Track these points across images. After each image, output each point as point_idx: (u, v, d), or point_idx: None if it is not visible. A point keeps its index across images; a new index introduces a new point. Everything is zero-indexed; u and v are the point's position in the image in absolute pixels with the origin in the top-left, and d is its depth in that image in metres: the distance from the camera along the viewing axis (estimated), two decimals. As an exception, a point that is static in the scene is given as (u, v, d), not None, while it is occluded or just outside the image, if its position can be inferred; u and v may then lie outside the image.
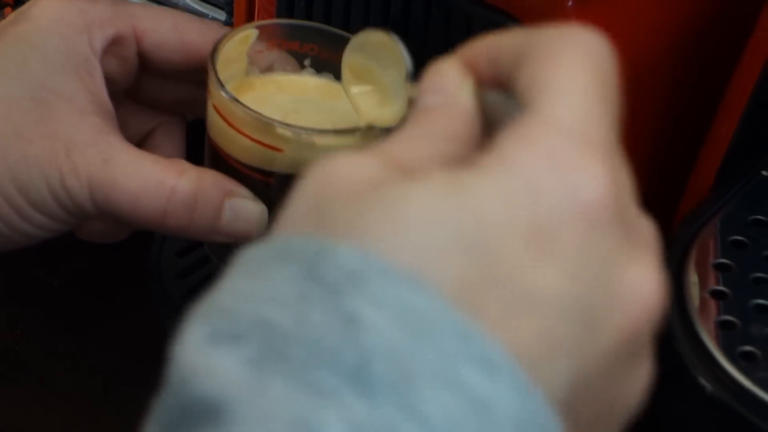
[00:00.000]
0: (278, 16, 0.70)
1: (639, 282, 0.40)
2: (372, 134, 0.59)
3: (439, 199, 0.38)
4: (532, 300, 0.37)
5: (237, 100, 0.60)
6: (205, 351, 0.36)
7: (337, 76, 0.64)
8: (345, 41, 0.58)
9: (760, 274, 0.63)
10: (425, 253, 0.37)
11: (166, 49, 0.66)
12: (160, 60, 0.66)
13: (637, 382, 0.42)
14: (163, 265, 0.77)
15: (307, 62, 0.66)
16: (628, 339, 0.40)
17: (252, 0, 0.73)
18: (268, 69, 0.66)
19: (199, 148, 0.66)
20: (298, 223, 0.39)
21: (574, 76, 0.41)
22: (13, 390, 0.80)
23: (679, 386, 0.60)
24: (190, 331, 0.37)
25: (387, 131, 0.57)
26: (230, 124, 0.61)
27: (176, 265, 0.77)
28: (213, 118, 0.62)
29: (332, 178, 0.39)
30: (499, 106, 0.44)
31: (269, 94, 0.66)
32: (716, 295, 0.62)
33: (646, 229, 0.42)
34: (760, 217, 0.66)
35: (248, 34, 0.65)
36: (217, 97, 0.61)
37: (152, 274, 0.76)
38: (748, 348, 0.59)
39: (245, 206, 0.62)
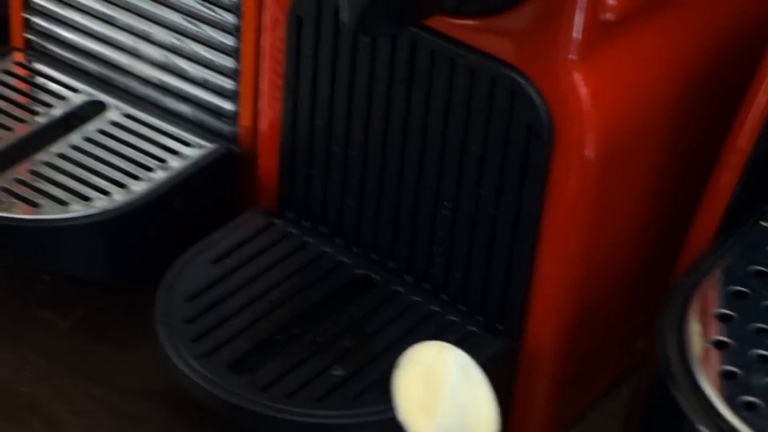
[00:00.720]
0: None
1: None
2: None
3: None
4: None
5: None
6: None
7: None
8: None
9: (761, 325, 0.64)
10: None
11: None
12: None
13: None
14: (172, 309, 0.77)
15: None
16: None
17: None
18: None
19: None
20: None
21: None
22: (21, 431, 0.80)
23: (682, 436, 0.60)
24: None
25: None
26: None
27: (184, 310, 0.77)
28: None
29: None
30: None
31: None
32: (718, 345, 0.63)
33: None
34: (760, 267, 0.67)
35: None
36: None
37: (160, 318, 0.77)
38: (749, 398, 0.60)
39: None
